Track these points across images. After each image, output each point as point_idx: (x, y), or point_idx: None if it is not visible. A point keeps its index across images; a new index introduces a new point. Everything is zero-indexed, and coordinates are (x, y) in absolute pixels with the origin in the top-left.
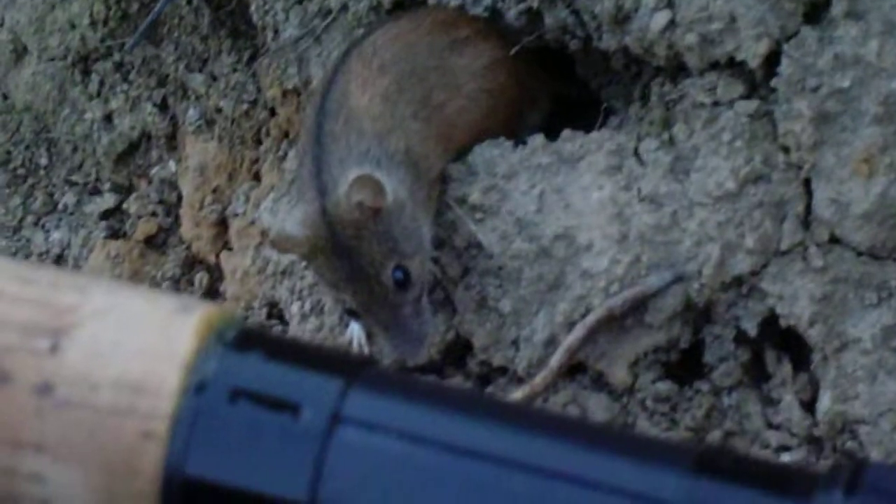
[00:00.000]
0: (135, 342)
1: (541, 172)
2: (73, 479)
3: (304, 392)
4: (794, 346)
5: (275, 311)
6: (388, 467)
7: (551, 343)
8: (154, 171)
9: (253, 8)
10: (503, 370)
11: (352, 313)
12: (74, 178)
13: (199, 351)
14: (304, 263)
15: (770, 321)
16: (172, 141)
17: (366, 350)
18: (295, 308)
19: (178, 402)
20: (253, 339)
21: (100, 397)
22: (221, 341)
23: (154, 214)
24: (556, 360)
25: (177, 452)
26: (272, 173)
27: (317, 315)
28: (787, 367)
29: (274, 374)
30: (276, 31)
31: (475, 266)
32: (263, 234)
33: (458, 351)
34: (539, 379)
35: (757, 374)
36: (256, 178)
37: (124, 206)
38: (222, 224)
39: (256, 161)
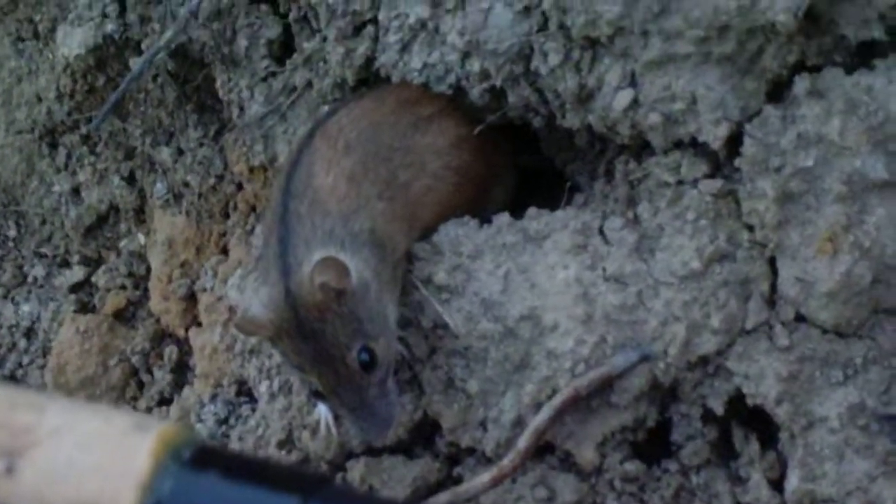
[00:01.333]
0: (90, 461)
1: (506, 252)
2: None
3: None
4: (761, 424)
5: (244, 389)
6: None
7: (519, 424)
8: (122, 243)
9: (218, 84)
10: (471, 450)
11: (318, 395)
12: (44, 250)
13: (154, 470)
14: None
15: (737, 399)
16: (140, 214)
17: (333, 431)
18: (263, 387)
19: None
20: (209, 456)
21: None
22: (178, 460)
23: (123, 287)
24: (523, 441)
25: None
26: (239, 247)
27: (285, 395)
28: (754, 446)
29: (230, 493)
30: (241, 108)
31: (442, 346)
32: (231, 310)
33: (427, 430)
34: (507, 461)
35: (725, 453)
36: (224, 251)
37: (93, 279)
38: (191, 298)
39: (224, 235)
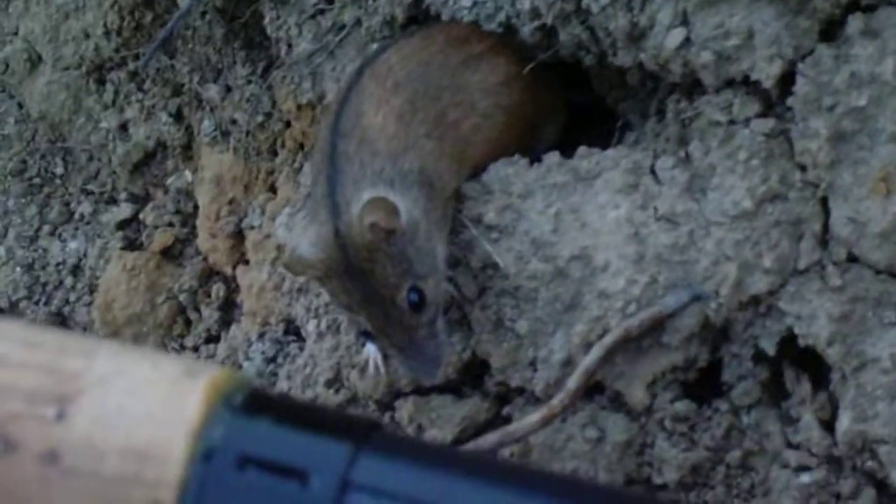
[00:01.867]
0: (141, 409)
1: (556, 191)
2: None
3: (312, 459)
4: (813, 364)
5: (291, 328)
6: None
7: (569, 364)
8: (170, 181)
9: (267, 21)
10: (521, 390)
11: (367, 335)
12: (90, 187)
13: (206, 417)
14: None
15: (788, 340)
16: (188, 151)
17: (382, 371)
18: (311, 326)
19: (186, 470)
20: (260, 403)
21: (106, 465)
22: (229, 406)
23: (170, 225)
24: (573, 381)
25: None
26: (287, 186)
27: (333, 334)
28: (806, 386)
29: (282, 440)
30: (289, 45)
31: (491, 286)
32: (279, 248)
33: (476, 370)
34: (557, 400)
35: (776, 393)
36: (272, 190)
37: (140, 216)
38: (238, 236)
39: (272, 173)
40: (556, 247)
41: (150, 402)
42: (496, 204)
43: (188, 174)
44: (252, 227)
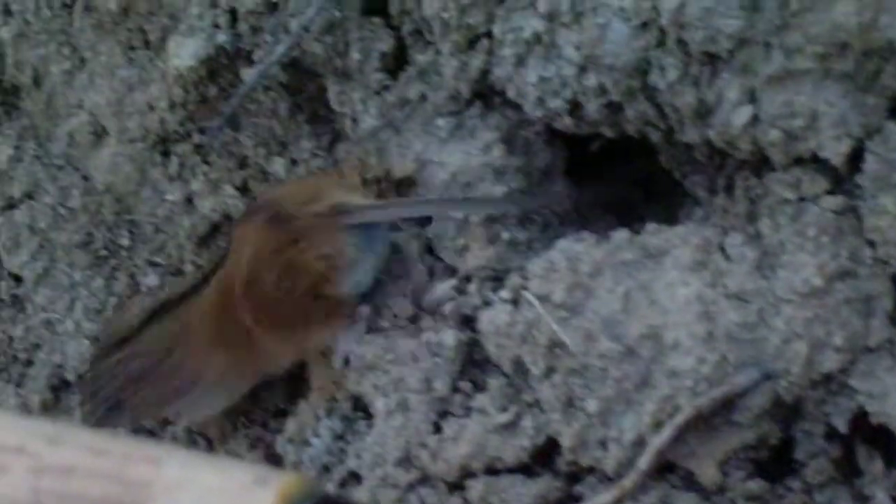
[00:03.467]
0: None
1: (626, 269)
2: None
3: None
4: (885, 442)
5: (360, 405)
6: None
7: (640, 443)
8: None
9: (331, 95)
10: (592, 469)
11: None
12: (156, 259)
13: None
14: (389, 357)
15: (861, 417)
16: None
17: None
18: (380, 404)
19: None
20: None
21: None
22: None
23: None
24: (644, 461)
25: None
26: None
27: (402, 412)
28: (878, 465)
29: None
30: (354, 121)
31: (560, 366)
32: None
33: (546, 449)
34: (628, 480)
35: (849, 471)
36: None
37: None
38: None
39: None
40: (626, 325)
41: None
42: (565, 282)
43: None
44: None
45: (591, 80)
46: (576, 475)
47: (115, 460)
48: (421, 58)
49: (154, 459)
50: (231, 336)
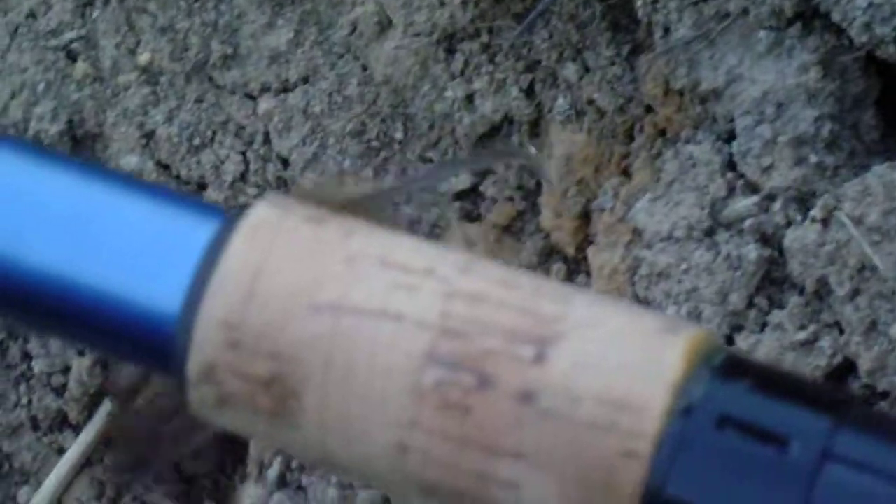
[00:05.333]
0: (619, 358)
1: None
2: (548, 490)
3: (793, 426)
4: None
5: None
6: None
7: None
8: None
9: (639, 4)
10: (886, 394)
11: None
12: (430, 154)
13: (686, 373)
14: (683, 267)
15: None
16: (535, 127)
17: None
18: (671, 311)
19: (664, 423)
20: (739, 366)
21: (581, 411)
22: (708, 366)
23: (510, 199)
24: None
25: (659, 474)
26: (644, 171)
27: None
28: None
29: (762, 404)
30: (665, 30)
31: (867, 289)
32: (635, 232)
33: (842, 371)
34: None
35: None
36: (625, 173)
37: (480, 187)
38: (585, 217)
39: (626, 157)
40: None
41: (629, 353)
42: (881, 206)
43: (533, 150)
44: (602, 210)
45: None
46: (869, 400)
47: (526, 293)
48: None
49: (564, 297)
50: None
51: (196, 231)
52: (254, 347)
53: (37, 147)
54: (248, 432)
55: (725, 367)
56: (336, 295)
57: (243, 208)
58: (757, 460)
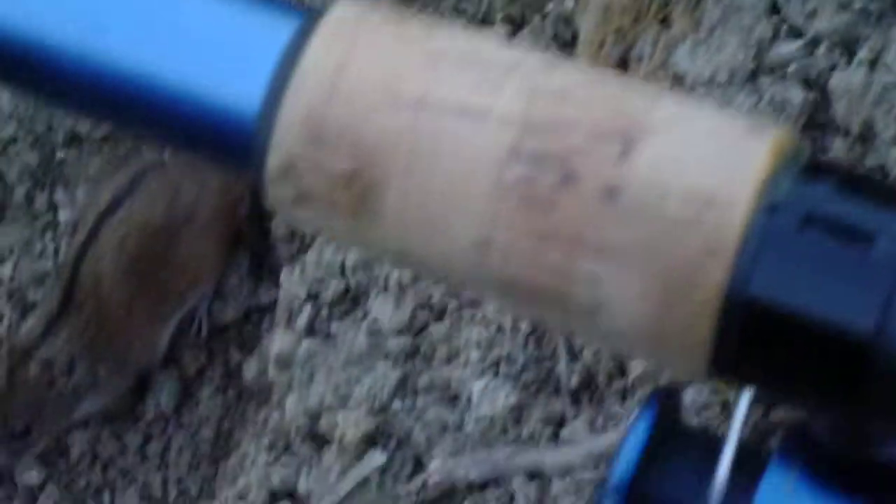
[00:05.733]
0: (706, 155)
1: None
2: (630, 285)
3: (878, 222)
4: None
5: None
6: None
7: None
8: (549, 6)
9: None
10: None
11: None
12: (465, 6)
13: (772, 170)
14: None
15: None
16: None
17: None
18: None
19: (749, 219)
20: (824, 167)
21: (667, 206)
22: (794, 164)
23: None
24: None
25: (742, 270)
26: (684, 19)
27: None
28: None
29: (847, 202)
30: None
31: None
32: (675, 78)
33: None
34: None
35: None
36: (664, 22)
37: (517, 39)
38: (623, 65)
39: (666, 5)
40: None
41: (716, 150)
42: None
43: (570, 1)
44: (640, 59)
45: None
46: None
47: (613, 90)
48: None
49: (651, 95)
50: None
51: (277, 29)
52: (335, 143)
53: None
54: (326, 230)
55: (811, 167)
56: (419, 91)
57: (324, 7)
58: (842, 258)
